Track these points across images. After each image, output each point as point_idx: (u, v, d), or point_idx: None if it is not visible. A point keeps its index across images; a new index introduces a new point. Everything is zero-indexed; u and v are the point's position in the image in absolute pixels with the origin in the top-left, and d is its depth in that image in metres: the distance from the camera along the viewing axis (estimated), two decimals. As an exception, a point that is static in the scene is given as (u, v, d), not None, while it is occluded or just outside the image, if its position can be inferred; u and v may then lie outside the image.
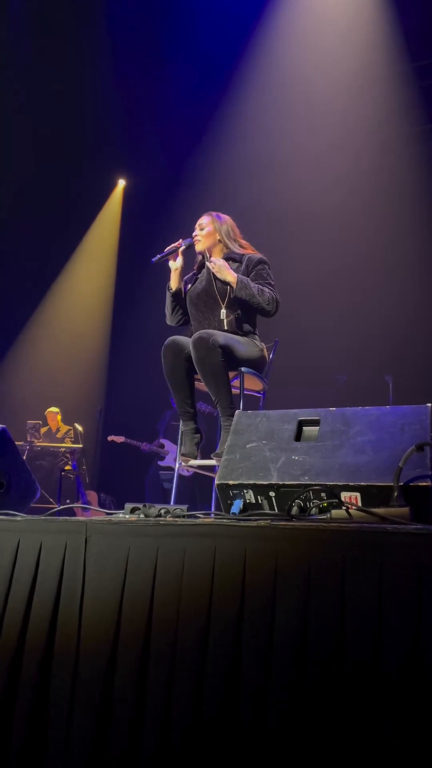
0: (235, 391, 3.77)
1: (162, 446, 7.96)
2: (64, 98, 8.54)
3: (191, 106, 8.62)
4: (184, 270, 4.08)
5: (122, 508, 2.33)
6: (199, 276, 4.07)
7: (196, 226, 4.05)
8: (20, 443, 7.81)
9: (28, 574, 2.01)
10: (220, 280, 3.86)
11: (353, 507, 1.91)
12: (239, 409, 3.57)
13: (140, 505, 2.28)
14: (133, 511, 2.28)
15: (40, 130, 8.55)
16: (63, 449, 8.33)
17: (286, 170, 8.18)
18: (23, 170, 8.60)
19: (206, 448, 4.01)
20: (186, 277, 4.13)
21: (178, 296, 4.06)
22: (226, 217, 4.07)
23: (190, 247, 4.03)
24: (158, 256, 4.02)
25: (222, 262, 3.83)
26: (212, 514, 2.39)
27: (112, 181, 10.29)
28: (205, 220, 4.04)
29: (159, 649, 1.76)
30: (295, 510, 2.04)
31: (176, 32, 8.26)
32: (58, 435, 8.79)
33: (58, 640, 1.91)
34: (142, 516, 2.18)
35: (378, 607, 1.51)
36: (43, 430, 8.71)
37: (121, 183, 10.36)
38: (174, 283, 4.04)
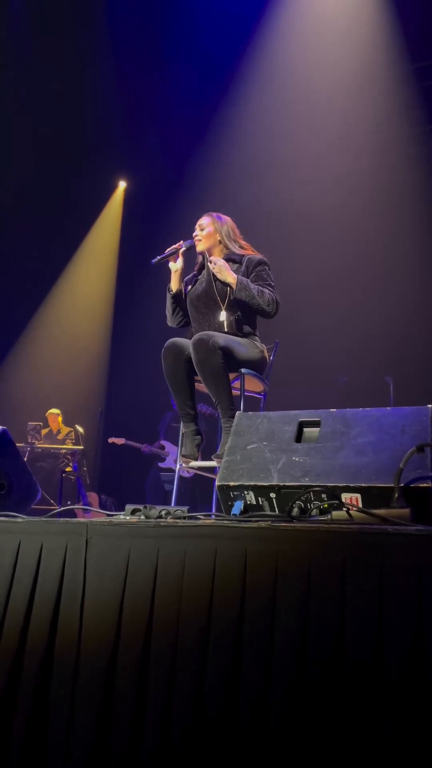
0: (235, 392, 3.76)
1: (162, 448, 7.96)
2: (64, 98, 8.55)
3: (191, 106, 8.62)
4: (185, 271, 4.08)
5: (123, 510, 2.33)
6: (199, 277, 4.07)
7: (196, 226, 4.05)
8: (21, 445, 7.81)
9: (29, 576, 2.01)
10: (220, 281, 3.86)
11: (354, 508, 1.91)
12: (240, 410, 3.57)
13: (141, 507, 2.28)
14: (133, 512, 2.28)
15: (40, 130, 8.56)
16: (64, 451, 8.33)
17: (287, 170, 8.19)
18: (23, 171, 8.61)
19: (207, 450, 4.01)
20: (186, 278, 4.13)
21: (178, 298, 4.07)
22: (226, 218, 4.07)
23: (191, 249, 4.03)
24: (158, 257, 4.02)
25: (222, 263, 3.83)
26: (213, 516, 2.39)
27: (113, 182, 10.29)
28: (205, 221, 4.04)
29: (159, 650, 1.76)
30: (295, 511, 2.04)
31: (176, 32, 8.27)
32: (59, 436, 8.79)
33: (58, 641, 1.91)
34: (142, 517, 2.18)
35: (378, 608, 1.51)
36: (43, 431, 8.72)
37: (122, 185, 10.36)
38: (174, 284, 4.04)
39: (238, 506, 2.20)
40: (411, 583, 1.49)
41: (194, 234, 4.03)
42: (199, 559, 1.77)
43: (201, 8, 7.98)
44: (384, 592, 1.51)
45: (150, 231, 9.23)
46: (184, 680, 1.68)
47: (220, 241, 4.00)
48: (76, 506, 4.90)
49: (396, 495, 1.92)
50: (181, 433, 3.90)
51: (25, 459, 7.53)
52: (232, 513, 2.20)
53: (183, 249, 4.00)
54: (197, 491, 7.30)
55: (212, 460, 3.70)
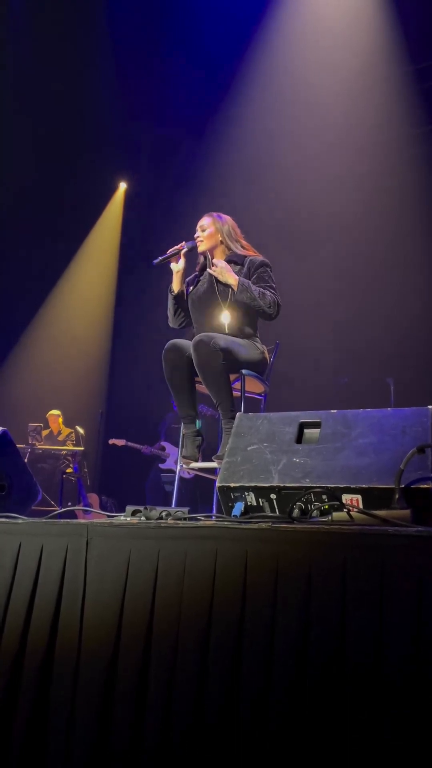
0: (236, 393, 3.76)
1: (163, 449, 7.96)
2: (64, 98, 8.56)
3: (192, 107, 8.63)
4: (186, 272, 4.08)
5: (123, 511, 2.33)
6: (200, 278, 4.07)
7: (198, 227, 4.05)
8: (21, 446, 7.81)
9: (30, 577, 2.01)
10: (221, 282, 3.86)
11: (354, 509, 1.91)
12: (240, 411, 3.57)
13: (141, 508, 2.28)
14: (134, 513, 2.28)
15: (40, 130, 8.56)
16: (64, 452, 8.33)
17: (287, 171, 8.19)
18: (23, 171, 8.61)
19: (207, 451, 4.01)
20: (188, 278, 4.14)
21: (180, 299, 4.07)
22: (226, 218, 4.07)
23: (193, 249, 4.03)
24: (160, 258, 4.02)
25: (224, 264, 3.84)
26: (213, 517, 2.40)
27: (113, 183, 10.29)
28: (206, 221, 4.04)
29: (160, 651, 1.76)
30: (296, 512, 2.04)
31: (176, 32, 8.27)
32: (60, 438, 8.80)
33: (59, 642, 1.91)
34: (143, 518, 2.18)
35: (379, 609, 1.51)
36: (44, 432, 8.73)
37: (122, 186, 10.36)
38: (176, 285, 4.04)
39: (238, 507, 2.20)
40: (411, 584, 1.49)
41: (196, 235, 4.03)
42: (200, 560, 1.77)
43: (201, 8, 7.99)
44: (384, 593, 1.51)
45: (150, 232, 9.24)
46: (185, 681, 1.68)
47: (221, 242, 4.00)
48: (76, 507, 4.90)
49: (397, 496, 1.92)
50: (181, 434, 3.90)
51: (26, 460, 7.54)
52: (232, 514, 2.20)
53: (185, 250, 4.00)
54: (198, 492, 7.29)
55: (213, 461, 3.70)
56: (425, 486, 1.94)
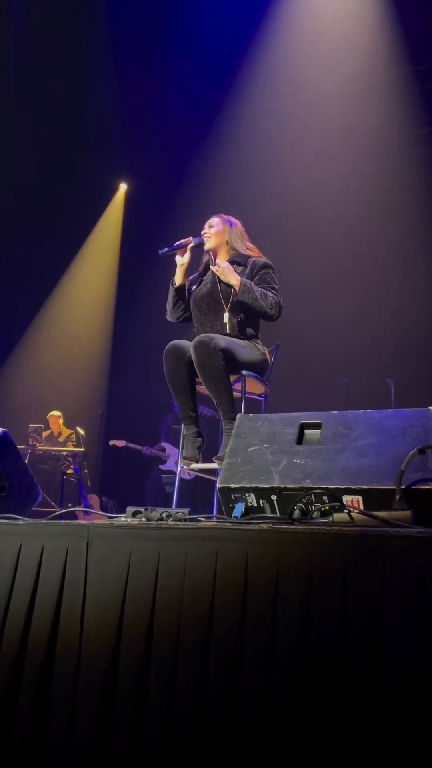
0: (236, 394, 3.76)
1: (163, 450, 7.96)
2: (64, 98, 8.56)
3: (192, 108, 8.63)
4: (190, 269, 4.09)
5: (124, 512, 2.33)
6: (204, 278, 4.07)
7: (206, 224, 4.07)
8: (22, 447, 7.81)
9: (30, 578, 2.00)
10: (224, 283, 3.86)
11: (355, 510, 1.91)
12: (241, 412, 3.57)
13: (142, 509, 2.28)
14: (134, 514, 2.28)
15: (40, 130, 8.56)
16: (65, 453, 8.33)
17: (288, 172, 8.19)
18: (23, 172, 8.62)
19: (208, 452, 4.01)
20: (191, 277, 4.14)
21: (181, 291, 4.06)
22: (236, 222, 4.11)
23: (199, 246, 4.04)
24: (166, 249, 4.03)
25: (226, 265, 3.84)
26: (214, 518, 2.40)
27: (114, 184, 10.30)
28: (215, 220, 4.08)
29: (160, 652, 1.76)
30: (296, 513, 2.04)
31: (177, 33, 8.28)
32: (60, 439, 8.80)
33: (59, 643, 1.91)
34: (143, 519, 2.18)
35: (379, 610, 1.51)
36: (45, 433, 8.72)
37: (123, 187, 10.37)
38: (178, 278, 4.05)
39: (239, 508, 2.20)
40: (412, 585, 1.49)
41: (203, 231, 4.05)
42: (200, 561, 1.77)
43: (202, 9, 8.00)
44: (385, 594, 1.51)
45: (151, 233, 9.23)
46: (185, 682, 1.68)
47: (227, 242, 4.03)
48: (77, 508, 4.90)
49: (397, 497, 1.92)
50: (182, 435, 3.90)
51: (26, 461, 7.52)
52: (233, 515, 2.20)
53: (192, 244, 4.02)
54: (198, 493, 7.29)
55: (213, 462, 3.70)
56: (426, 487, 1.93)
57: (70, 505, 7.29)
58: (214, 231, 4.03)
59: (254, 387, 3.97)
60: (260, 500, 2.19)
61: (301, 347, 7.11)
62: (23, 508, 2.76)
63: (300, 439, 2.30)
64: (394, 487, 1.93)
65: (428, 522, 1.87)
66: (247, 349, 3.79)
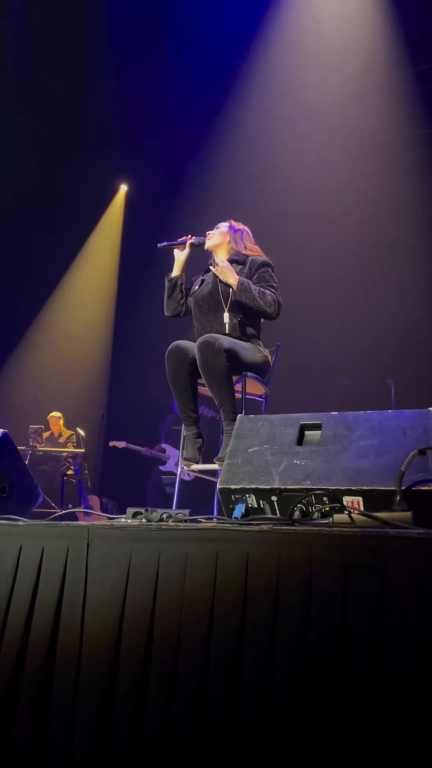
0: (237, 395, 3.76)
1: (163, 451, 7.96)
2: (64, 98, 8.56)
3: (192, 109, 8.63)
4: (189, 267, 4.10)
5: (124, 513, 2.33)
6: (205, 279, 4.08)
7: (214, 228, 4.12)
8: (22, 448, 7.81)
9: (30, 579, 2.00)
10: (224, 283, 3.87)
11: (355, 511, 1.91)
12: (241, 413, 3.57)
13: (142, 510, 2.28)
14: (135, 515, 2.28)
15: (40, 130, 8.56)
16: (65, 454, 8.33)
17: (288, 173, 8.19)
18: (24, 173, 8.61)
19: (208, 453, 4.01)
20: (194, 278, 4.15)
21: (175, 283, 4.08)
22: (244, 229, 4.12)
23: (200, 245, 4.06)
24: (166, 243, 4.05)
25: (225, 264, 3.85)
26: (214, 519, 2.39)
27: (114, 185, 10.30)
28: (223, 224, 4.12)
29: (161, 653, 1.76)
30: (297, 514, 2.04)
31: (177, 34, 8.28)
32: (61, 440, 8.79)
33: (60, 644, 1.91)
34: (144, 520, 2.18)
35: (379, 611, 1.51)
36: (45, 434, 8.72)
37: (123, 188, 10.37)
38: (174, 271, 4.08)
39: (239, 509, 2.20)
40: (412, 585, 1.49)
41: (208, 232, 4.08)
42: (201, 562, 1.77)
43: (202, 10, 8.00)
44: (385, 595, 1.51)
45: (151, 234, 9.21)
46: (185, 682, 1.68)
47: (228, 242, 4.04)
48: (77, 509, 4.90)
49: (398, 498, 1.92)
50: (182, 436, 3.91)
51: (27, 462, 7.52)
52: (233, 516, 2.20)
53: (192, 241, 4.03)
54: (198, 494, 7.29)
55: (214, 463, 3.70)
56: (426, 488, 1.93)
57: (70, 506, 7.28)
58: (218, 232, 4.06)
59: (255, 388, 3.97)
60: (260, 501, 2.19)
61: (301, 348, 7.10)
62: (23, 509, 2.76)
63: (300, 440, 2.30)
64: (395, 488, 1.93)
65: (428, 523, 1.87)
66: (249, 351, 3.79)
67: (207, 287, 4.00)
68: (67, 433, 8.83)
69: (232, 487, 2.22)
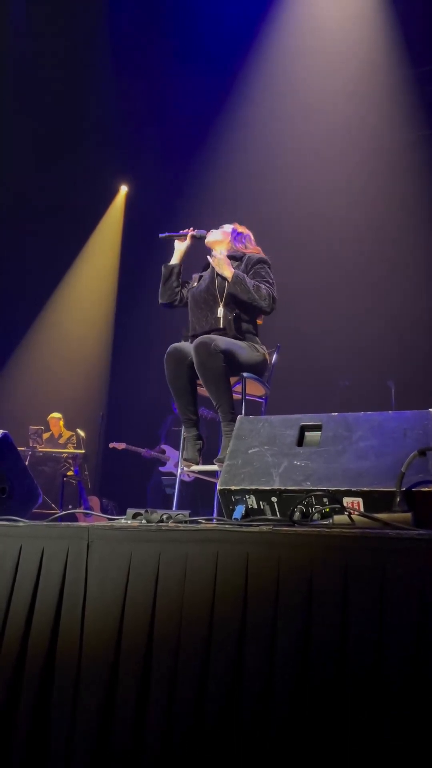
0: (237, 396, 3.76)
1: (163, 452, 7.95)
2: (64, 98, 8.56)
3: (193, 111, 8.63)
4: (191, 267, 4.11)
5: (124, 514, 2.33)
6: (204, 275, 4.09)
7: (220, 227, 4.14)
8: (22, 449, 7.81)
9: (30, 580, 2.00)
10: (221, 277, 3.88)
11: (355, 512, 1.91)
12: (241, 414, 3.57)
13: (142, 511, 2.28)
14: (135, 516, 2.28)
15: (40, 131, 8.56)
16: (65, 455, 8.32)
17: (289, 174, 8.20)
18: (23, 172, 8.61)
19: (208, 454, 4.01)
20: (193, 274, 4.16)
21: (173, 271, 4.09)
22: (248, 234, 4.14)
23: (201, 239, 4.07)
24: (168, 233, 4.07)
25: (223, 257, 3.87)
26: (214, 520, 2.39)
27: (114, 186, 10.29)
28: (227, 225, 4.15)
29: (161, 653, 1.76)
30: (297, 515, 2.04)
31: (177, 34, 8.28)
32: (61, 440, 8.79)
33: (60, 645, 1.91)
34: (144, 521, 2.18)
35: (379, 612, 1.51)
36: (45, 435, 8.72)
37: (123, 189, 10.37)
38: (173, 260, 4.10)
39: (239, 510, 2.20)
40: (412, 586, 1.49)
41: (212, 230, 4.10)
42: (201, 563, 1.77)
43: (202, 10, 8.01)
44: (385, 596, 1.51)
45: (151, 236, 9.22)
46: (186, 683, 1.68)
47: (229, 241, 4.07)
48: (77, 510, 4.90)
49: (398, 499, 1.92)
50: (182, 437, 3.91)
51: (27, 463, 7.51)
52: (233, 517, 2.20)
53: (194, 233, 4.05)
54: (198, 495, 7.29)
55: (213, 464, 3.70)
56: (426, 489, 1.93)
57: (70, 507, 7.28)
58: (220, 232, 4.08)
59: (255, 389, 3.97)
60: (260, 502, 2.19)
61: (301, 349, 7.11)
62: (23, 509, 2.76)
63: (300, 441, 2.30)
64: (395, 489, 1.93)
65: (429, 524, 1.87)
66: (246, 351, 3.79)
67: (204, 282, 4.01)
68: (67, 434, 8.83)
69: (232, 488, 2.22)
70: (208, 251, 4.10)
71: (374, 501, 1.98)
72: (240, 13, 8.06)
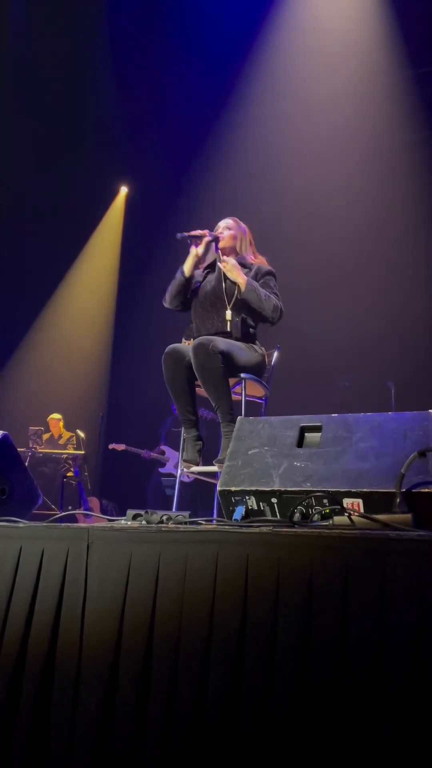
0: (237, 397, 3.76)
1: (163, 453, 7.95)
2: (64, 98, 8.56)
3: (192, 110, 8.63)
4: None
5: (124, 515, 2.33)
6: (208, 276, 4.06)
7: (222, 226, 4.09)
8: (22, 450, 7.80)
9: (30, 581, 2.00)
10: (229, 280, 3.87)
11: (355, 513, 1.91)
12: (241, 415, 3.57)
13: (142, 512, 2.28)
14: (135, 517, 2.28)
15: (40, 131, 8.55)
16: (65, 455, 8.32)
17: (288, 174, 8.20)
18: (24, 173, 8.61)
19: (208, 455, 4.01)
20: (195, 271, 4.12)
21: (188, 282, 4.02)
22: (245, 227, 4.12)
23: (214, 241, 4.02)
24: (186, 234, 3.99)
25: (234, 262, 3.86)
26: (214, 521, 2.39)
27: (114, 186, 10.29)
28: (230, 223, 4.11)
29: (161, 654, 1.76)
30: (297, 516, 2.04)
31: (178, 35, 8.28)
32: (61, 441, 8.79)
33: (60, 646, 1.91)
34: (144, 522, 2.18)
35: (379, 613, 1.51)
36: (45, 436, 8.71)
37: (123, 190, 10.37)
38: (188, 268, 3.98)
39: (239, 511, 2.20)
40: (412, 587, 1.49)
41: (219, 231, 4.05)
42: (201, 564, 1.77)
43: (202, 10, 8.01)
44: (385, 597, 1.51)
45: (151, 237, 9.23)
46: (186, 683, 1.69)
47: (237, 248, 4.04)
48: (77, 511, 4.91)
49: (398, 500, 1.92)
50: (182, 438, 3.90)
51: (27, 464, 7.51)
52: (233, 518, 2.20)
53: (207, 239, 4.00)
54: (198, 496, 7.29)
55: (213, 465, 3.70)
56: (426, 490, 1.93)
57: (70, 507, 7.28)
58: (228, 234, 4.05)
59: (254, 390, 3.97)
60: (260, 503, 2.19)
61: (301, 350, 7.11)
62: (23, 511, 2.76)
63: (300, 442, 2.30)
64: (395, 490, 1.93)
65: (429, 525, 1.87)
66: (246, 352, 3.79)
67: (209, 284, 3.99)
68: (67, 434, 8.83)
69: (232, 489, 2.22)
70: (215, 249, 4.08)
71: (374, 502, 1.98)
72: (240, 13, 8.06)
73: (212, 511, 4.38)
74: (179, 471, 4.01)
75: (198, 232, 4.00)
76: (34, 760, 1.83)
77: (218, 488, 2.28)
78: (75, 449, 8.46)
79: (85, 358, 10.14)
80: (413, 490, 1.94)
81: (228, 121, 8.62)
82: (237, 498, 2.22)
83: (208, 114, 8.67)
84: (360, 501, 2.01)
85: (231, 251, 4.05)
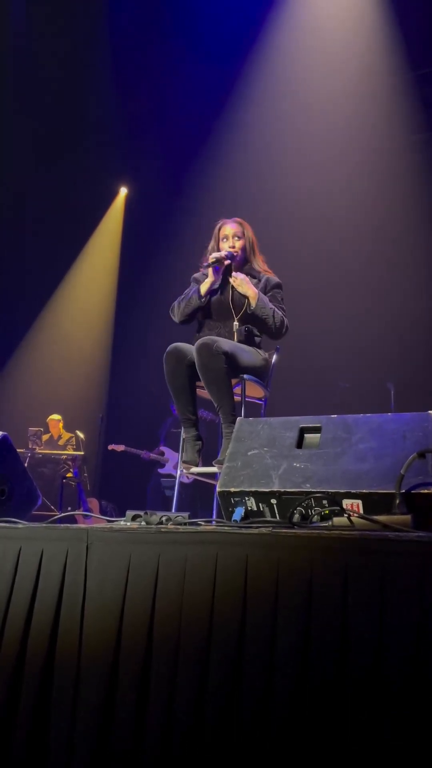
0: (236, 398, 3.76)
1: (162, 453, 7.95)
2: (64, 99, 8.56)
3: (193, 110, 8.63)
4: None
5: (123, 516, 2.33)
6: (216, 286, 4.00)
7: (230, 235, 4.04)
8: (22, 450, 7.80)
9: (30, 582, 2.00)
10: (237, 292, 3.87)
11: (355, 514, 1.91)
12: (241, 416, 3.56)
13: (142, 513, 2.28)
14: (134, 518, 2.28)
15: (40, 131, 8.55)
16: (64, 456, 8.31)
17: (289, 176, 8.20)
18: (23, 173, 8.61)
19: (207, 455, 4.01)
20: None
21: (201, 304, 3.97)
22: (250, 229, 4.10)
23: (230, 260, 3.97)
24: (213, 262, 3.89)
25: (243, 277, 3.88)
26: (214, 522, 2.39)
27: (114, 186, 10.29)
28: (238, 232, 4.05)
29: (161, 655, 1.76)
30: (296, 517, 2.04)
31: (177, 34, 8.27)
32: (60, 442, 8.78)
33: (59, 647, 1.91)
34: (143, 523, 2.18)
35: (379, 613, 1.51)
36: (44, 437, 8.71)
37: (123, 191, 10.36)
38: (205, 291, 3.93)
39: (239, 512, 2.20)
40: (412, 588, 1.49)
41: (230, 245, 4.00)
42: (200, 565, 1.77)
43: (202, 11, 8.01)
44: (385, 598, 1.52)
45: (151, 237, 9.23)
46: (186, 683, 1.69)
47: (247, 256, 4.03)
48: (76, 512, 4.91)
49: (397, 501, 1.92)
50: (182, 439, 3.90)
51: (26, 465, 7.52)
52: (232, 519, 2.20)
53: (227, 262, 3.93)
54: (198, 497, 7.29)
55: (213, 465, 3.69)
56: (426, 491, 1.93)
57: (69, 508, 7.27)
58: (239, 247, 4.01)
59: (254, 391, 3.97)
60: (260, 504, 2.19)
61: (301, 350, 7.10)
62: (23, 511, 2.76)
63: (300, 443, 2.30)
64: (394, 491, 1.93)
65: (428, 526, 1.87)
66: (250, 354, 3.80)
67: (217, 295, 3.98)
68: (66, 435, 8.82)
69: (232, 490, 2.22)
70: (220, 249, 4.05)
71: (374, 503, 1.98)
72: (240, 13, 8.06)
73: (212, 512, 4.38)
74: (179, 472, 4.00)
75: (221, 259, 3.91)
76: (34, 760, 1.83)
77: (218, 489, 2.28)
78: (74, 450, 8.46)
79: (85, 359, 10.14)
80: (413, 491, 1.94)
81: (228, 121, 8.62)
82: (236, 499, 2.22)
83: (208, 114, 8.66)
84: (359, 502, 2.01)
85: (242, 261, 4.04)
